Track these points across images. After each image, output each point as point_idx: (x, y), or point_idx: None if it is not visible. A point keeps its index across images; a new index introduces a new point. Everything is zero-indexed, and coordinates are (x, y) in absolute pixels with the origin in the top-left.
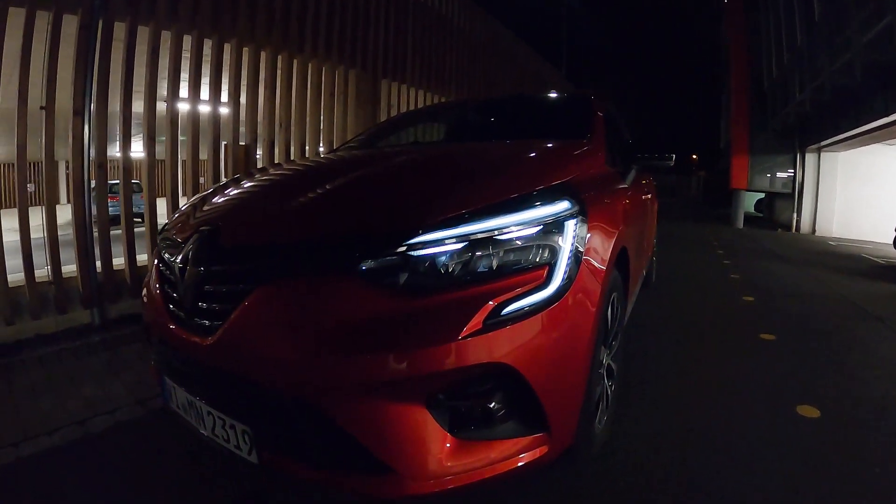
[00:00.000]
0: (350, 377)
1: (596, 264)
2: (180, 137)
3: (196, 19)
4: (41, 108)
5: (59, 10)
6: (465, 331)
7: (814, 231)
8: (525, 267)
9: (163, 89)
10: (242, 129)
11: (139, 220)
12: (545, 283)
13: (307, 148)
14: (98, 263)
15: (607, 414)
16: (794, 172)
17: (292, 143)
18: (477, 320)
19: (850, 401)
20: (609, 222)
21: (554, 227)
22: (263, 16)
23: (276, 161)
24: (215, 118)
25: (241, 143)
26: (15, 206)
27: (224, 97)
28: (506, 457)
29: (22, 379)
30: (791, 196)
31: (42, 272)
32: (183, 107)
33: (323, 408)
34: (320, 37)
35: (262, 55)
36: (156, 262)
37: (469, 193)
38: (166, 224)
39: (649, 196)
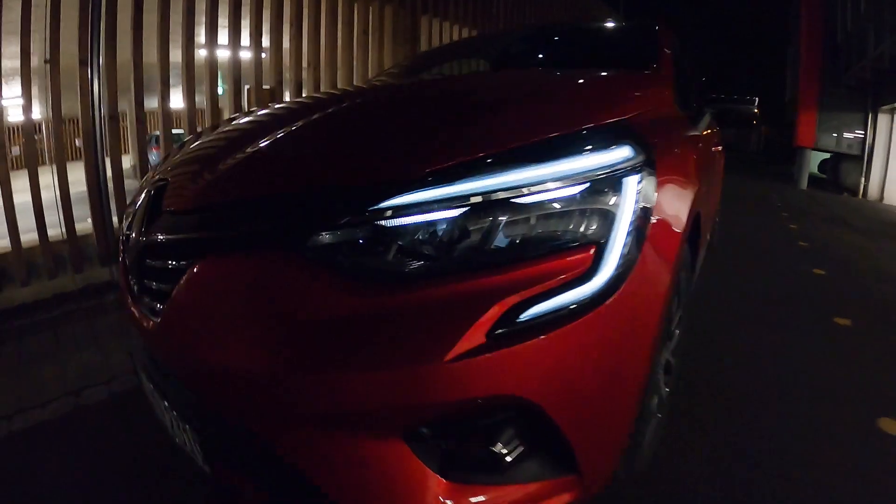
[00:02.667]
0: (291, 398)
1: (667, 240)
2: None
3: None
4: (45, 61)
5: None
6: (458, 349)
7: (882, 198)
8: (561, 246)
9: (177, 34)
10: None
11: None
12: (590, 271)
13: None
14: (115, 219)
15: (658, 423)
16: (865, 134)
17: (322, 86)
18: (479, 331)
19: None
20: (684, 180)
21: (608, 184)
22: None
23: None
24: (235, 61)
25: (266, 87)
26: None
27: (245, 39)
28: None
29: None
30: (859, 159)
31: (57, 231)
32: (200, 52)
33: (258, 431)
34: None
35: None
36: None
37: (478, 133)
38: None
39: (719, 148)
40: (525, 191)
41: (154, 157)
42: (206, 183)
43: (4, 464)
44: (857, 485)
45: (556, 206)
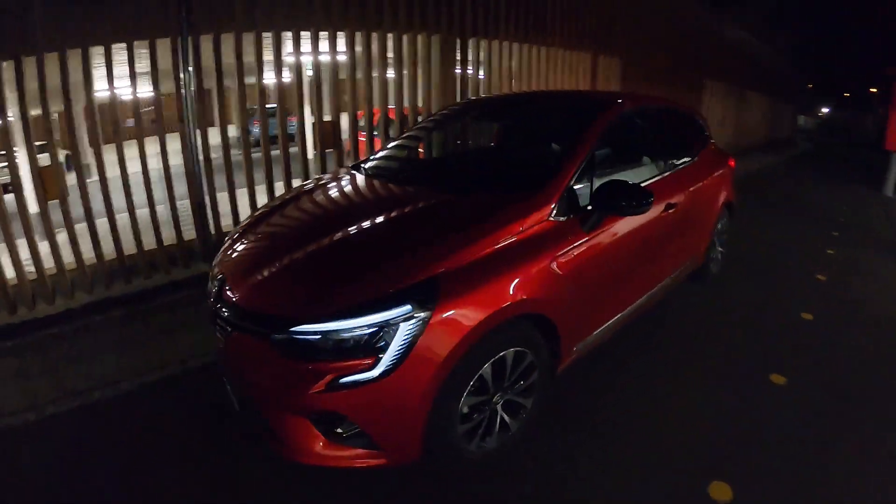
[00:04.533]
0: (270, 397)
1: (436, 352)
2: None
3: (274, 18)
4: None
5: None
6: (315, 388)
7: None
8: (361, 353)
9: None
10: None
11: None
12: (372, 367)
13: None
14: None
15: (495, 436)
16: None
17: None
18: (323, 383)
19: None
20: (476, 306)
21: (388, 327)
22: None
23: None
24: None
25: (327, 119)
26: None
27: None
28: (355, 458)
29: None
30: None
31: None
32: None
33: (258, 408)
34: (400, 9)
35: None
36: None
37: (336, 295)
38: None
39: (670, 211)
40: (349, 326)
41: (255, 130)
42: (242, 287)
43: (143, 403)
44: None
45: (363, 334)
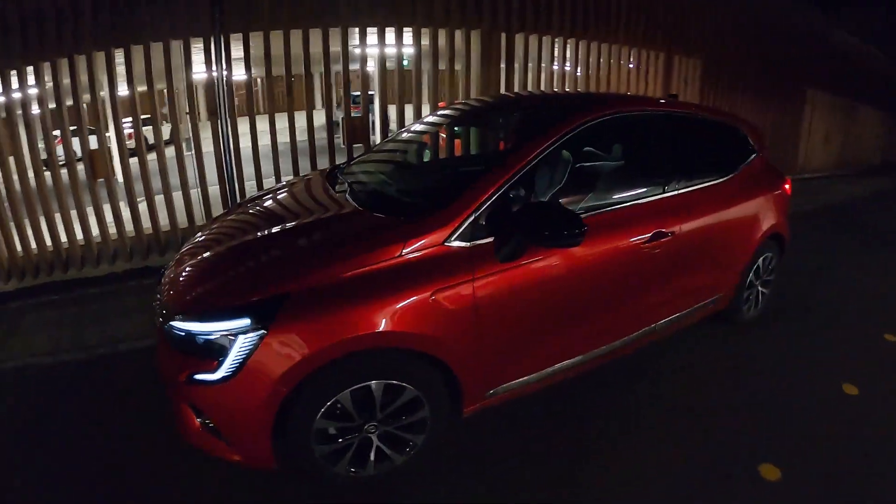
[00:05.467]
0: (166, 381)
1: (272, 368)
2: None
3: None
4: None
5: None
6: (181, 378)
7: None
8: (207, 356)
9: None
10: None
11: None
12: (215, 370)
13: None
14: None
15: (371, 465)
16: None
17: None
18: (183, 376)
19: None
20: (321, 331)
21: (229, 336)
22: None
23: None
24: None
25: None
26: None
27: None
28: (218, 449)
29: None
30: None
31: None
32: None
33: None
34: (436, 2)
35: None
36: None
37: (201, 298)
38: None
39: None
40: (200, 330)
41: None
42: (167, 278)
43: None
44: None
45: (210, 339)
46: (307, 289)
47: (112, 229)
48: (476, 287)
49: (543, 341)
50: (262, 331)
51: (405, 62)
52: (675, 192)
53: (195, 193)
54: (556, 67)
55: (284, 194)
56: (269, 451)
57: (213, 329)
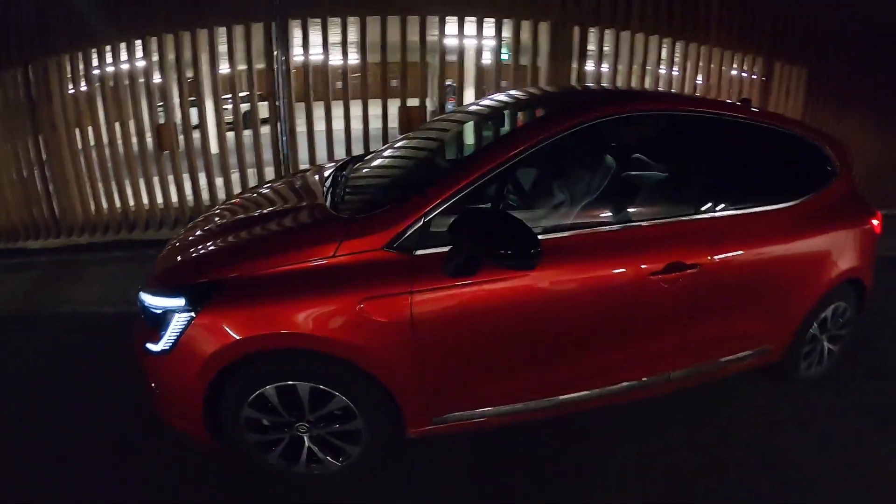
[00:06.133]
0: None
1: (198, 350)
2: None
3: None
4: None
5: None
6: (138, 347)
7: None
8: (153, 328)
9: None
10: None
11: None
12: (157, 342)
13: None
14: None
15: (303, 464)
16: None
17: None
18: (139, 345)
19: None
20: (244, 322)
21: (169, 314)
22: None
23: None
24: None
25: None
26: None
27: None
28: (164, 417)
29: None
30: None
31: None
32: None
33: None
34: None
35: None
36: None
37: (160, 274)
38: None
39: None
40: (150, 303)
41: (450, 106)
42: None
43: None
44: None
45: (156, 312)
46: (239, 279)
47: (174, 198)
48: (414, 302)
49: (506, 375)
50: (192, 313)
51: (505, 54)
52: (711, 215)
53: (251, 172)
54: (637, 66)
55: (285, 183)
56: (201, 428)
57: (158, 304)
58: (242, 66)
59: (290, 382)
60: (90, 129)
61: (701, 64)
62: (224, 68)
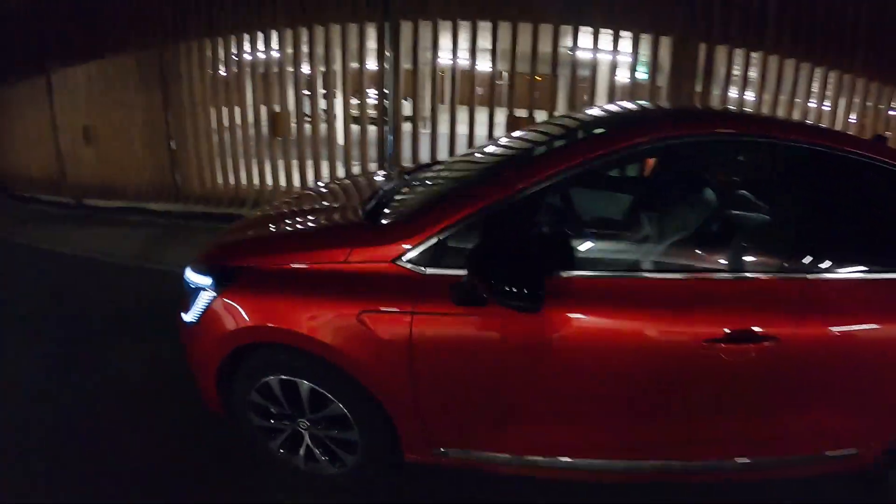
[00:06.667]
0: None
1: (215, 328)
2: None
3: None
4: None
5: None
6: (179, 314)
7: None
8: (188, 300)
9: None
10: None
11: None
12: (189, 314)
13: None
14: None
15: (301, 459)
16: None
17: None
18: (180, 313)
19: None
20: (253, 311)
21: (199, 289)
22: None
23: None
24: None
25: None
26: None
27: None
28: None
29: None
30: None
31: None
32: None
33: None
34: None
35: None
36: None
37: (207, 251)
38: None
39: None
40: (188, 278)
41: None
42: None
43: None
44: None
45: (192, 287)
46: (258, 268)
47: (283, 181)
48: (414, 322)
49: (511, 422)
50: (214, 293)
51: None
52: (810, 275)
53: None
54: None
55: (354, 181)
56: (215, 398)
57: (193, 280)
58: (355, 65)
59: (292, 378)
60: (212, 110)
61: (856, 100)
62: (352, 65)
